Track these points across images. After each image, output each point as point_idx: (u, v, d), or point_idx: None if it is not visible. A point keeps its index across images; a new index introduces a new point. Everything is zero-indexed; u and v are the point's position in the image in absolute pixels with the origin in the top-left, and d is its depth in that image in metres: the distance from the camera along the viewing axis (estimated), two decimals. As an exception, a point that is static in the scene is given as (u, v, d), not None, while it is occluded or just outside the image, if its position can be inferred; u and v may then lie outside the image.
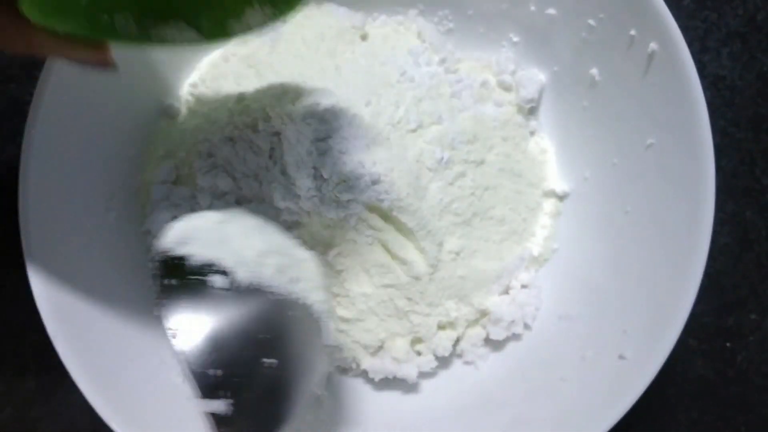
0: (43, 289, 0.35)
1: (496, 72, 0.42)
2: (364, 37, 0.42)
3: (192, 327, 0.27)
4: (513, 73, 0.42)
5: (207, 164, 0.39)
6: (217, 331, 0.27)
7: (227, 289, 0.28)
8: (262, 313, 0.29)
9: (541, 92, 0.42)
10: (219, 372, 0.27)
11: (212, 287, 0.28)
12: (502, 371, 0.41)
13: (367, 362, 0.41)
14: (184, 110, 0.43)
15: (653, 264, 0.36)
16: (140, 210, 0.41)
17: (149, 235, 0.41)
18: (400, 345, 0.40)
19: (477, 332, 0.41)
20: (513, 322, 0.41)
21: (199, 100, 0.42)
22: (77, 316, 0.36)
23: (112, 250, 0.40)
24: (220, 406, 0.26)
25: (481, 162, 0.40)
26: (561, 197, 0.42)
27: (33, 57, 0.27)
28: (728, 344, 0.46)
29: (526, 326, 0.41)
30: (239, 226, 0.31)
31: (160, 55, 0.41)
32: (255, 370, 0.28)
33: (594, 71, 0.39)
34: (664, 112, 0.35)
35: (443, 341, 0.40)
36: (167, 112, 0.43)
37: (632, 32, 0.36)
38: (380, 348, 0.40)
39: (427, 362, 0.40)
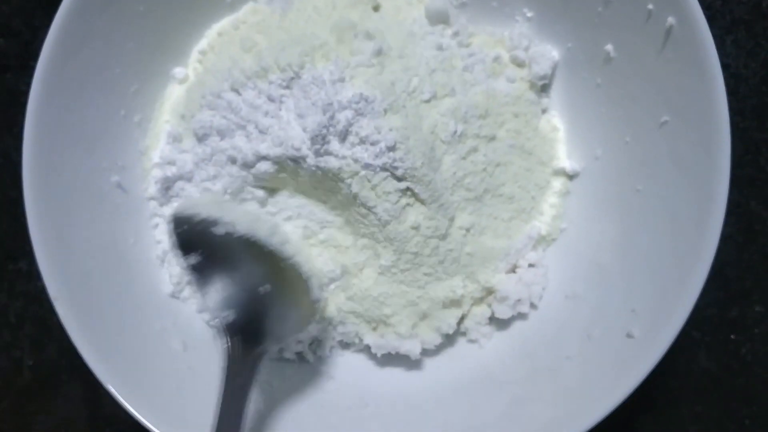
0: (45, 253, 0.35)
1: (509, 47, 0.42)
2: (376, 8, 0.42)
3: (204, 264, 0.34)
4: (526, 48, 0.41)
5: (207, 116, 0.38)
6: (224, 266, 0.35)
7: (229, 236, 0.34)
8: (259, 259, 0.34)
9: (554, 69, 0.42)
10: (226, 291, 0.34)
11: (217, 234, 0.33)
12: (506, 350, 0.40)
13: (370, 337, 0.40)
14: (191, 76, 0.42)
15: (663, 244, 0.36)
16: (144, 174, 0.41)
17: (153, 200, 0.41)
18: (403, 319, 0.39)
19: (482, 310, 0.41)
20: (519, 300, 0.40)
21: (207, 66, 0.41)
22: (80, 281, 0.36)
23: (116, 216, 0.39)
24: (226, 313, 0.34)
25: (493, 137, 0.40)
26: (571, 176, 0.42)
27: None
28: (732, 336, 0.46)
29: (533, 305, 0.41)
30: (233, 205, 0.39)
31: (169, 22, 0.41)
32: (255, 294, 0.35)
33: (609, 47, 0.38)
34: (680, 89, 0.35)
35: (448, 318, 0.40)
36: (175, 79, 0.42)
37: (650, 6, 0.35)
38: (383, 323, 0.40)
39: (431, 339, 0.40)
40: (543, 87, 0.42)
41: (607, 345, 0.36)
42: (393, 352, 0.40)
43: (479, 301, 0.41)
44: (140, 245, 0.40)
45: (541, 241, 0.42)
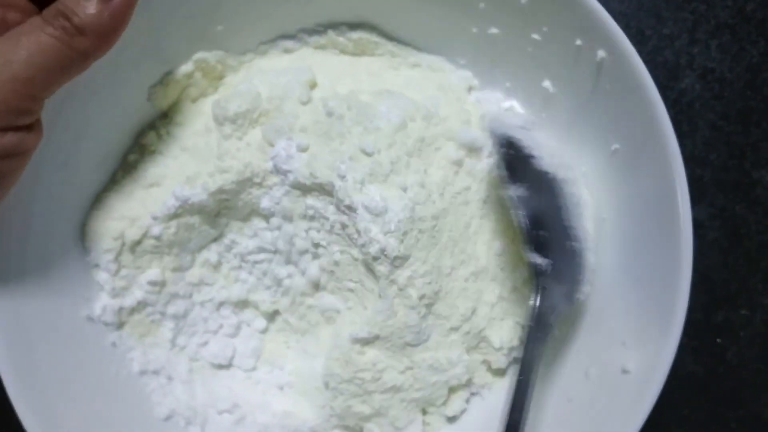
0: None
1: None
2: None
3: (529, 195, 0.34)
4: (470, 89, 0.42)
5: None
6: (543, 202, 0.35)
7: (546, 172, 0.35)
8: (564, 200, 0.35)
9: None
10: (544, 233, 0.34)
11: (539, 168, 0.35)
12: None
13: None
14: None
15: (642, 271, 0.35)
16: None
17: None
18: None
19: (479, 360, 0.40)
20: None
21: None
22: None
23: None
24: (542, 261, 0.34)
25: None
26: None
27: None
28: (718, 340, 0.46)
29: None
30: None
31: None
32: (565, 245, 0.35)
33: (547, 84, 0.38)
34: (623, 119, 0.35)
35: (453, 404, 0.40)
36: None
37: (578, 42, 0.35)
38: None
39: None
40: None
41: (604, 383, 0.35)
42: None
43: (473, 349, 0.39)
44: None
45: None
